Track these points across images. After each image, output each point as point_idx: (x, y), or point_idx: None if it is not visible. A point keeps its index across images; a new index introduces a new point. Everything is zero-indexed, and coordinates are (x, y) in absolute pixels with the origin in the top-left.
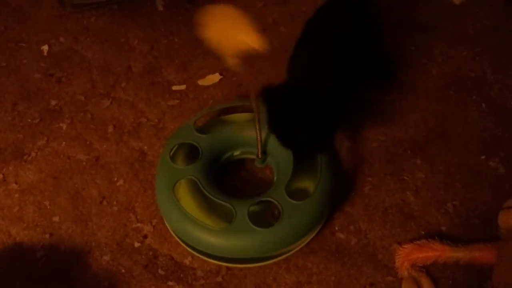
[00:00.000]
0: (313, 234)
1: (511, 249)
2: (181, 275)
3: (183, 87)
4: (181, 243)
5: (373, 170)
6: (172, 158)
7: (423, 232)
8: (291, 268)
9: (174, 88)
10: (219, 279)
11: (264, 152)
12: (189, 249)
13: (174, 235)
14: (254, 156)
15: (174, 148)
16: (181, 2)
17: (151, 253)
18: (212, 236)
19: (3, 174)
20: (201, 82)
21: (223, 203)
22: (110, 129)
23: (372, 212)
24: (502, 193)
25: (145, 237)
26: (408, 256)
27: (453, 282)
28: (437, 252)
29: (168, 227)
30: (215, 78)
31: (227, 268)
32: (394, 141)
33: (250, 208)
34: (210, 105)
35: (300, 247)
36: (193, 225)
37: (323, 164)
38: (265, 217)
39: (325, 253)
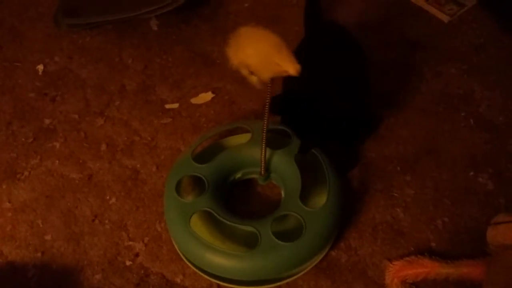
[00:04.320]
0: (330, 245)
1: (499, 265)
2: None
3: (176, 105)
4: (204, 275)
5: (363, 187)
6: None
7: (412, 249)
8: (281, 286)
9: (167, 106)
10: None
11: (267, 170)
12: (213, 279)
13: (196, 269)
14: (255, 176)
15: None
16: (175, 22)
17: (142, 271)
18: (243, 262)
19: None
20: (194, 100)
21: (245, 227)
22: (103, 147)
23: (362, 228)
24: (491, 209)
25: (137, 255)
26: (398, 273)
27: None
28: (426, 268)
29: (192, 263)
30: (207, 96)
31: (218, 285)
32: (384, 158)
33: (271, 226)
34: (202, 134)
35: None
36: (222, 256)
37: (329, 171)
38: (283, 233)
39: (315, 270)
